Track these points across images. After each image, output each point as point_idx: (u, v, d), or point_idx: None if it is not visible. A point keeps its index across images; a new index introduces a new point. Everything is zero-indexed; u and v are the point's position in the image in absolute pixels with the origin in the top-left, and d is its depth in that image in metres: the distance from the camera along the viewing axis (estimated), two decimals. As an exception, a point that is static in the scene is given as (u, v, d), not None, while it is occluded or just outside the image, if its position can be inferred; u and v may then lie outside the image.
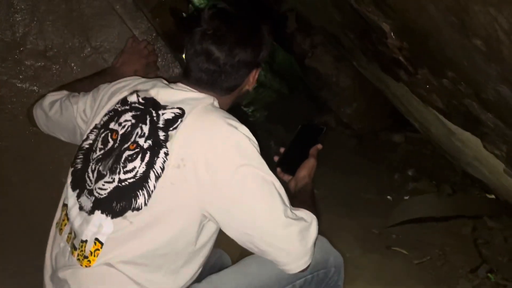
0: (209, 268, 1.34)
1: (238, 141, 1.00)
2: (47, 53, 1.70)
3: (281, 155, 1.35)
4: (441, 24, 1.02)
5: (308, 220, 1.04)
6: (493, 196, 2.73)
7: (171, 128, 1.02)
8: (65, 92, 1.35)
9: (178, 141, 1.00)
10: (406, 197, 2.82)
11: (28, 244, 1.72)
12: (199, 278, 1.12)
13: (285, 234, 0.99)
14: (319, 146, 1.33)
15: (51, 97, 1.35)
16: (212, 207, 1.00)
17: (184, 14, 2.21)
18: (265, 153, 1.48)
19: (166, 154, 0.99)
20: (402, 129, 3.42)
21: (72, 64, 1.73)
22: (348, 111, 3.53)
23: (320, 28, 2.56)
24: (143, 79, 1.20)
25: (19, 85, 1.70)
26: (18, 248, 1.74)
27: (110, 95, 1.18)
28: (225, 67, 1.07)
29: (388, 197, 2.83)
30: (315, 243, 1.04)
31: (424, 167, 3.11)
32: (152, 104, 1.07)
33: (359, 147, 3.42)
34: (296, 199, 1.18)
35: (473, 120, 1.34)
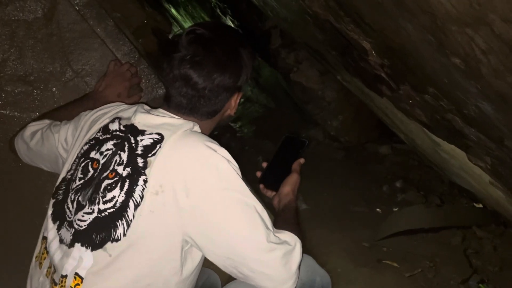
0: (199, 290, 1.32)
1: (217, 164, 0.99)
2: (27, 78, 1.68)
3: (263, 171, 1.33)
4: (419, 42, 1.03)
5: (292, 243, 1.03)
6: (481, 206, 2.75)
7: (149, 155, 1.00)
8: (46, 122, 1.33)
9: (157, 167, 0.98)
10: (395, 209, 2.83)
11: (7, 271, 1.68)
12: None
13: (268, 259, 0.97)
14: (302, 160, 1.32)
15: (32, 127, 1.33)
16: (193, 232, 0.98)
17: (168, 35, 2.20)
18: (253, 169, 1.47)
19: (145, 181, 0.98)
20: (389, 141, 3.44)
21: (54, 89, 1.71)
22: (334, 124, 3.54)
23: (304, 44, 2.58)
24: (125, 106, 1.19)
25: (-1, 111, 1.67)
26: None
27: (91, 123, 1.17)
28: (204, 91, 1.06)
29: (377, 209, 2.83)
30: (299, 266, 1.03)
31: (412, 178, 3.12)
32: (131, 130, 1.06)
33: (347, 159, 3.43)
34: (280, 217, 1.16)
35: (456, 134, 1.34)
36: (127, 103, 1.25)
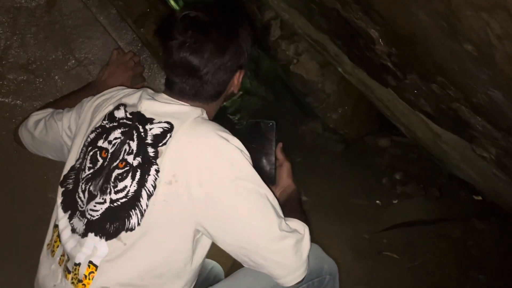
0: (202, 281, 1.31)
1: (230, 154, 0.98)
2: (30, 67, 1.66)
3: None
4: (430, 29, 1.02)
5: (301, 231, 1.03)
6: (480, 198, 2.76)
7: (160, 144, 0.99)
8: (49, 110, 1.31)
9: (169, 157, 0.97)
10: (395, 201, 2.82)
11: (13, 261, 1.67)
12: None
13: (281, 247, 0.97)
14: (280, 144, 1.29)
15: (35, 116, 1.31)
16: (206, 222, 0.97)
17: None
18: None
19: (157, 171, 0.97)
20: (388, 134, 3.43)
21: (56, 77, 1.69)
22: (334, 117, 3.50)
23: (305, 35, 2.57)
24: (128, 90, 1.17)
25: (1, 99, 1.65)
26: (0, 266, 1.68)
27: (94, 109, 1.15)
28: (206, 76, 1.04)
29: (377, 201, 2.82)
30: (309, 253, 1.03)
31: (411, 171, 3.12)
32: (138, 119, 1.04)
33: (346, 152, 3.40)
34: (285, 207, 1.16)
35: (461, 124, 1.34)
36: None
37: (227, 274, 1.51)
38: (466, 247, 2.31)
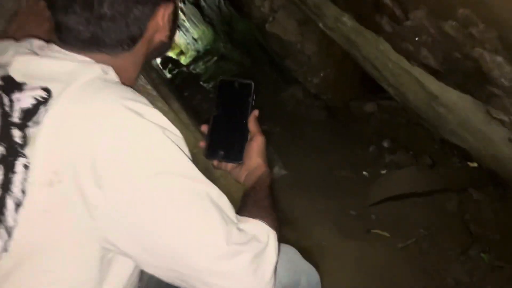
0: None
1: (146, 136, 0.65)
2: None
3: (207, 138, 0.97)
4: None
5: (263, 238, 0.71)
6: (475, 165, 2.54)
7: (29, 124, 0.66)
8: None
9: (44, 144, 0.63)
10: (383, 171, 2.67)
11: None
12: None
13: (231, 268, 0.66)
14: (256, 112, 0.97)
15: None
16: (114, 238, 0.65)
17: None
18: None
19: (27, 166, 0.64)
20: (374, 98, 3.22)
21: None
22: (315, 81, 3.33)
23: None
24: (9, 43, 0.81)
25: None
26: None
27: None
28: (101, 9, 0.70)
29: (364, 172, 2.67)
30: (276, 268, 0.72)
31: (400, 138, 2.95)
32: (6, 85, 0.71)
33: (330, 119, 3.27)
34: (249, 197, 0.85)
35: (479, 79, 1.04)
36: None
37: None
38: (464, 222, 2.11)
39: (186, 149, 0.69)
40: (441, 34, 1.01)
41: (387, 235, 2.07)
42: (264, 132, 0.98)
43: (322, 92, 3.31)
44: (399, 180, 2.49)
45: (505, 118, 1.12)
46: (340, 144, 2.88)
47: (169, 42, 0.83)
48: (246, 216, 0.76)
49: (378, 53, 1.84)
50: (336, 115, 3.25)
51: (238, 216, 0.73)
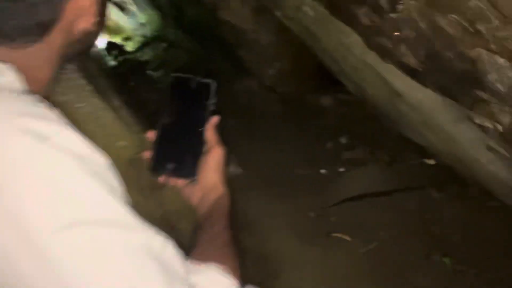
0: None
1: (51, 173, 0.46)
2: None
3: (154, 147, 0.77)
4: None
5: None
6: (432, 162, 2.51)
7: None
8: None
9: None
10: (341, 169, 2.56)
11: None
12: None
13: None
14: (215, 119, 0.78)
15: None
16: None
17: None
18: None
19: None
20: (331, 90, 3.12)
21: None
22: (270, 72, 3.21)
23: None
24: None
25: None
26: None
27: None
28: None
29: (322, 170, 2.56)
30: None
31: (358, 132, 2.86)
32: None
33: (285, 113, 3.15)
34: (204, 232, 0.68)
35: (467, 82, 0.92)
36: None
37: None
38: (425, 223, 2.04)
39: (115, 182, 0.50)
40: (432, 30, 0.87)
41: (348, 238, 1.98)
42: (217, 127, 0.79)
43: (277, 84, 3.19)
44: (358, 179, 2.43)
45: (489, 125, 1.01)
46: (297, 139, 2.75)
47: (97, 31, 0.63)
48: (200, 260, 0.58)
49: (340, 47, 1.71)
50: (292, 109, 3.13)
51: (190, 265, 0.55)
